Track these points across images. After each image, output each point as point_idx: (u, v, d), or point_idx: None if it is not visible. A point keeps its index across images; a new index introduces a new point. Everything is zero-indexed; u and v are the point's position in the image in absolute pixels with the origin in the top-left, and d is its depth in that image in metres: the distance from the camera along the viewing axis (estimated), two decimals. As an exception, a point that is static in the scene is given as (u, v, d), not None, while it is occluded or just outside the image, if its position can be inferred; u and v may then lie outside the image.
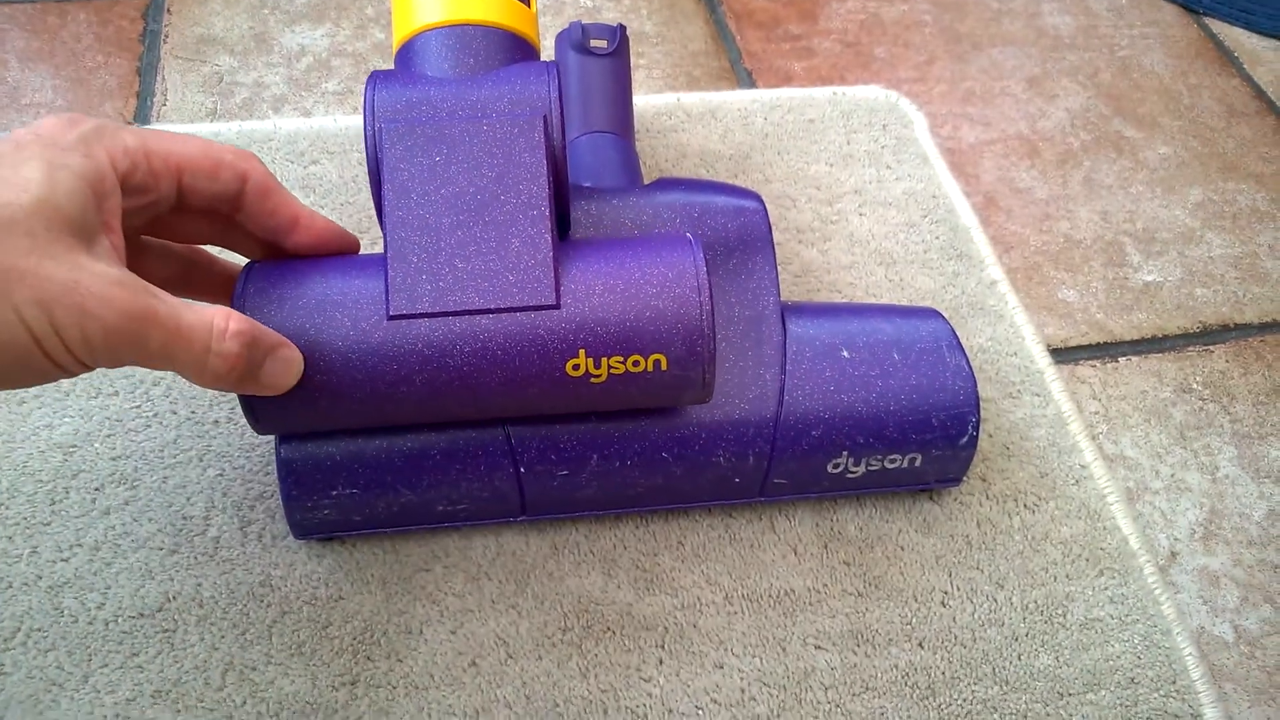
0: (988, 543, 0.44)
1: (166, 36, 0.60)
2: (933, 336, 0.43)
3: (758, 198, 0.45)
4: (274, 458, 0.43)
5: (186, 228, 0.36)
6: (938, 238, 0.55)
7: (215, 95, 0.58)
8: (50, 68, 0.58)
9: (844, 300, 0.52)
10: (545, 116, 0.37)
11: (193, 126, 0.54)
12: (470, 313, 0.35)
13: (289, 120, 0.56)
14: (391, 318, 0.35)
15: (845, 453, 0.42)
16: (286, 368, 0.34)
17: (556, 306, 0.35)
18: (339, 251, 0.38)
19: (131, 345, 0.28)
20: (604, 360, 0.36)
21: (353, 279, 0.36)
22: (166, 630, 0.39)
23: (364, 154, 0.54)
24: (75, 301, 0.27)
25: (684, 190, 0.45)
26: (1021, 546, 0.44)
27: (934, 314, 0.45)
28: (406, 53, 0.39)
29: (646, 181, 0.49)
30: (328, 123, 0.56)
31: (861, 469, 0.42)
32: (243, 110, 0.57)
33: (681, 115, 0.59)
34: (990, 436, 0.47)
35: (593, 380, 0.36)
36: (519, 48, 0.40)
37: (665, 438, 0.40)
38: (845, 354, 0.42)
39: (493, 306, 0.35)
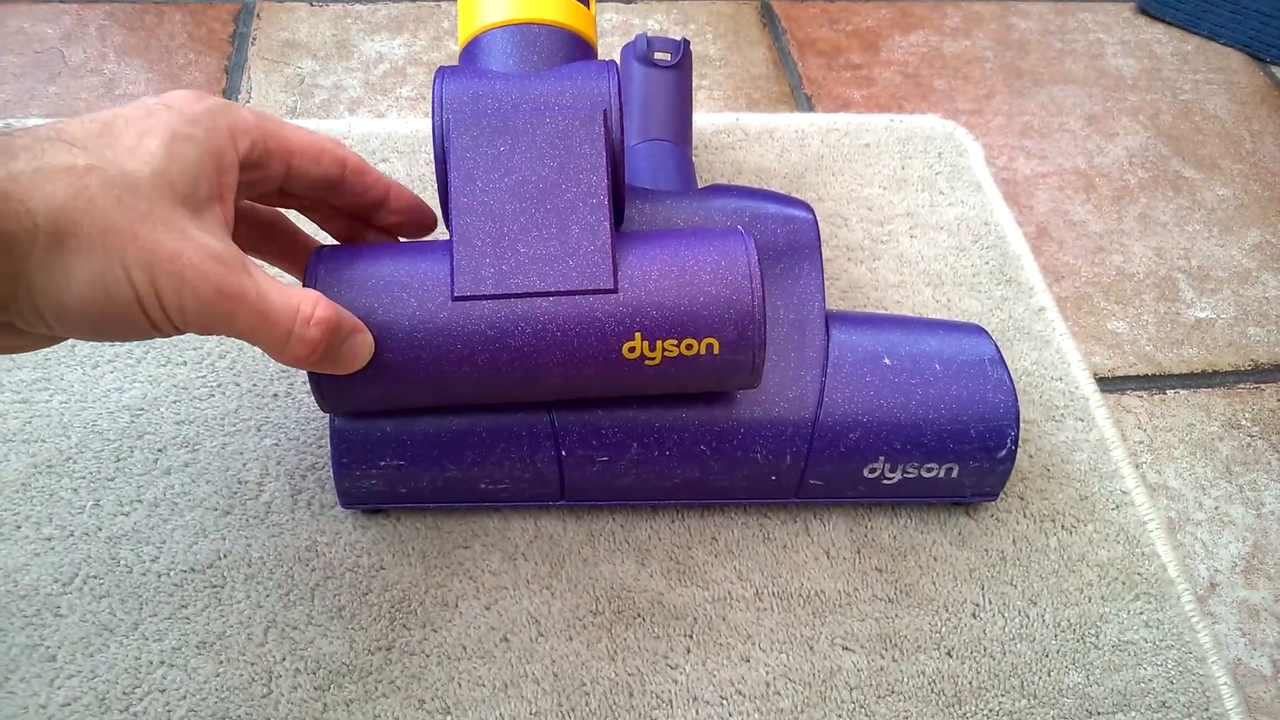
0: (1022, 560, 0.44)
1: (254, 39, 0.63)
2: (976, 350, 0.44)
3: (808, 207, 0.46)
4: (327, 430, 0.45)
5: (282, 205, 0.38)
6: (987, 263, 0.55)
7: (296, 95, 0.61)
8: (145, 62, 0.61)
9: (890, 317, 0.52)
10: (605, 111, 0.38)
11: (273, 123, 0.57)
12: (532, 295, 0.36)
13: (363, 121, 0.58)
14: (456, 299, 0.36)
15: (882, 458, 0.42)
16: (359, 351, 0.35)
17: (614, 290, 0.36)
18: (420, 224, 0.40)
19: (220, 320, 0.30)
20: (659, 343, 0.37)
21: (419, 263, 0.37)
22: (215, 586, 0.40)
23: (432, 155, 0.57)
24: (177, 270, 0.29)
25: (736, 196, 0.46)
26: (1057, 566, 0.44)
27: (978, 329, 0.45)
28: (472, 49, 0.41)
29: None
30: (399, 124, 0.58)
31: (898, 475, 0.43)
32: (320, 110, 0.60)
33: (740, 134, 0.60)
34: (1030, 458, 0.47)
35: (647, 363, 0.37)
36: (579, 46, 0.41)
37: (705, 431, 0.41)
38: (887, 361, 0.43)
39: (553, 289, 0.36)
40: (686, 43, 0.52)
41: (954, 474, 0.43)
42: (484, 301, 0.36)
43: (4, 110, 0.58)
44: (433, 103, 0.39)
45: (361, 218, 0.40)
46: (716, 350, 0.37)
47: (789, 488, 0.43)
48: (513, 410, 0.40)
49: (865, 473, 0.43)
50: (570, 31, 0.41)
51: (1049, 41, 0.71)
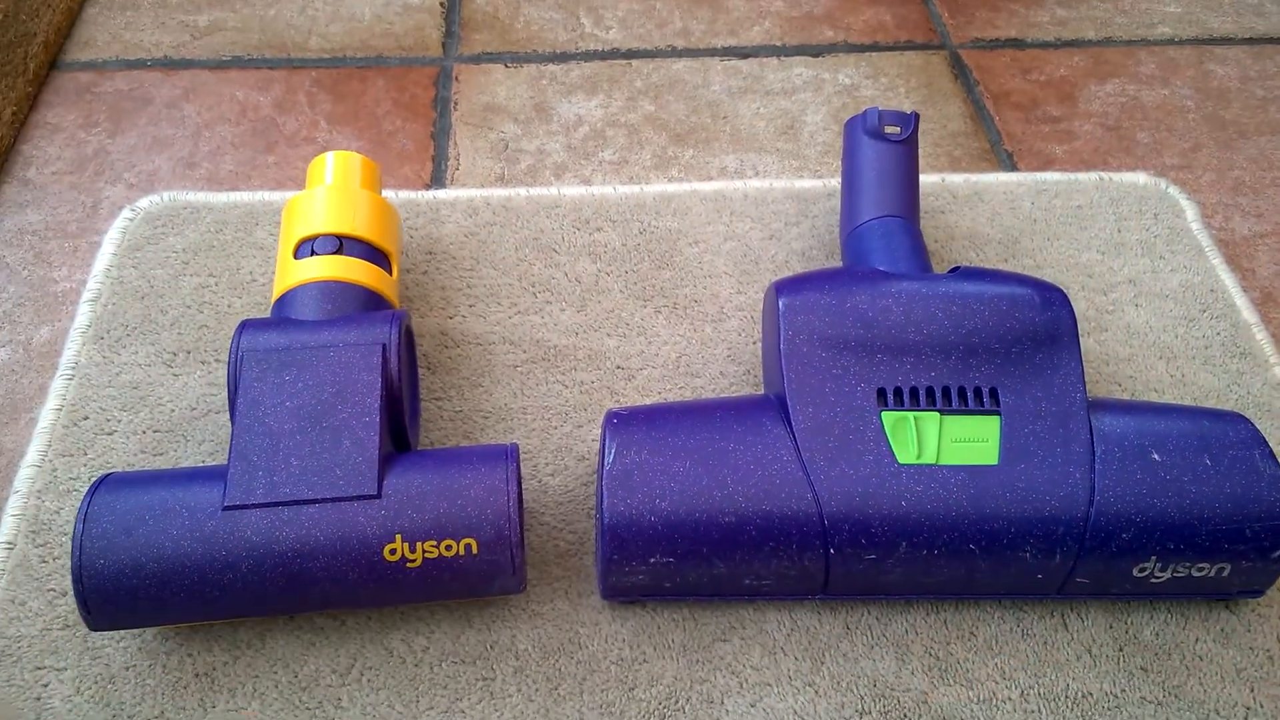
0: (1292, 660, 0.43)
1: (456, 104, 0.64)
2: (1243, 444, 0.43)
3: (1061, 292, 0.45)
4: (578, 518, 0.45)
5: None
6: (1219, 334, 0.54)
7: (502, 161, 0.61)
8: (354, 130, 0.63)
9: (1125, 395, 0.51)
10: (384, 345, 0.42)
11: (484, 192, 0.58)
12: (298, 502, 0.38)
13: (572, 188, 0.59)
14: (226, 509, 0.38)
15: (1154, 558, 0.41)
16: None
17: (377, 496, 0.39)
18: None
19: None
20: (419, 545, 0.39)
21: (195, 480, 0.40)
22: (485, 678, 0.41)
23: (643, 225, 0.57)
24: None
25: (988, 281, 0.45)
26: (1331, 668, 0.42)
27: (1241, 419, 0.44)
28: (280, 303, 0.46)
29: (934, 267, 0.49)
30: (608, 191, 0.58)
31: (1167, 575, 0.42)
32: (528, 176, 0.61)
33: (947, 196, 0.59)
34: (1289, 548, 0.46)
35: (409, 564, 0.39)
36: (372, 299, 0.46)
37: (975, 530, 0.40)
38: (1155, 456, 0.42)
39: (319, 497, 0.39)
40: (916, 116, 0.51)
41: (1225, 573, 0.42)
42: (252, 510, 0.38)
43: (230, 181, 0.60)
44: (230, 347, 0.43)
45: None
46: (475, 550, 0.39)
47: (1053, 585, 0.42)
48: (783, 508, 0.40)
49: (1135, 572, 0.41)
50: (364, 288, 0.46)
51: (1250, 89, 0.69)
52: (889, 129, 0.51)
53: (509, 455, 0.41)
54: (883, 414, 0.42)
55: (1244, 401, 0.51)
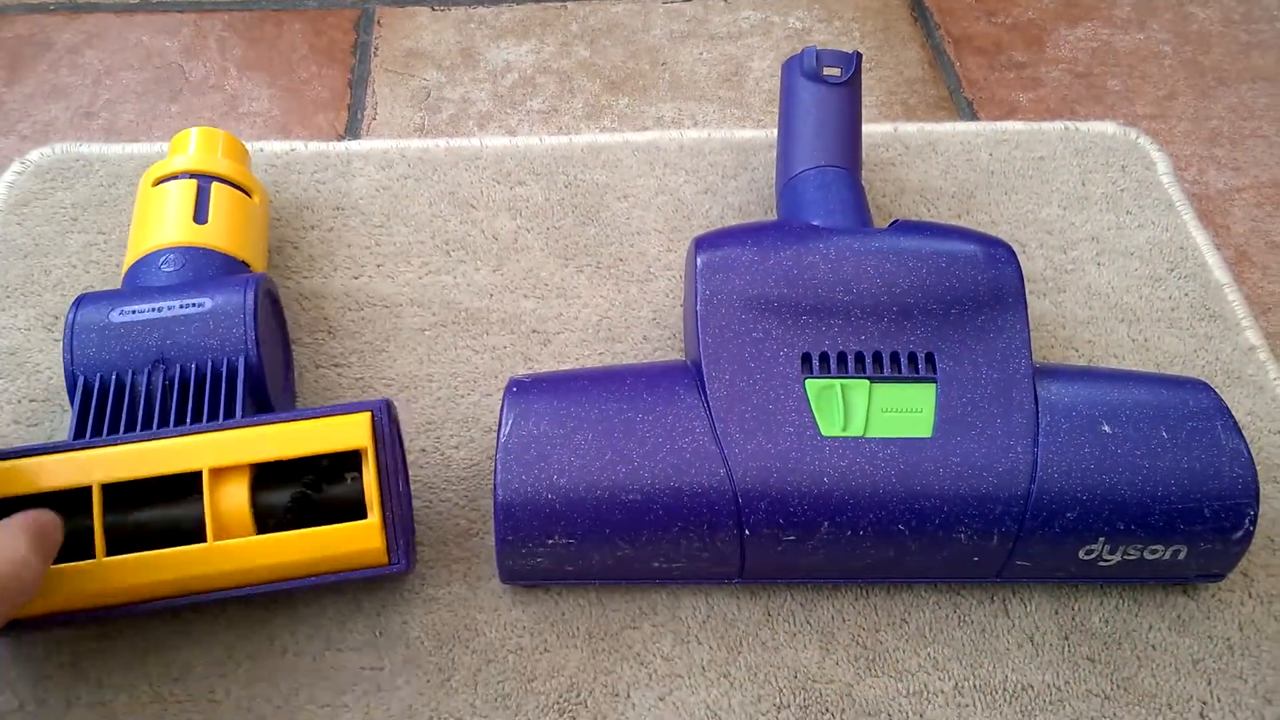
0: (1251, 649, 0.39)
1: (377, 50, 0.60)
2: (1205, 414, 0.39)
3: (1008, 247, 0.41)
4: (478, 491, 0.42)
5: None
6: (1186, 294, 0.50)
7: (423, 110, 0.57)
8: (266, 77, 0.58)
9: (1082, 360, 0.47)
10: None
11: (400, 143, 0.54)
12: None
13: (495, 139, 0.55)
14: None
15: (1102, 539, 0.38)
16: None
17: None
18: None
19: None
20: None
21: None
22: (373, 669, 0.37)
23: (569, 179, 0.53)
24: None
25: (928, 236, 0.41)
26: (1293, 657, 0.39)
27: (1204, 386, 0.40)
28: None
29: (876, 222, 0.46)
30: (533, 142, 0.54)
31: (1116, 558, 0.38)
32: (449, 126, 0.57)
33: (899, 147, 0.55)
34: (1253, 526, 0.42)
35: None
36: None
37: (903, 509, 0.37)
38: (1106, 429, 0.38)
39: None
40: (859, 56, 0.47)
41: (1180, 556, 0.38)
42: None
43: (130, 132, 0.56)
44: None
45: None
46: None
47: (991, 569, 0.39)
48: (693, 485, 0.37)
49: (1081, 554, 0.38)
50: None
51: (1233, 33, 0.64)
52: (828, 70, 0.47)
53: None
54: (806, 381, 0.38)
55: (1211, 368, 0.47)
